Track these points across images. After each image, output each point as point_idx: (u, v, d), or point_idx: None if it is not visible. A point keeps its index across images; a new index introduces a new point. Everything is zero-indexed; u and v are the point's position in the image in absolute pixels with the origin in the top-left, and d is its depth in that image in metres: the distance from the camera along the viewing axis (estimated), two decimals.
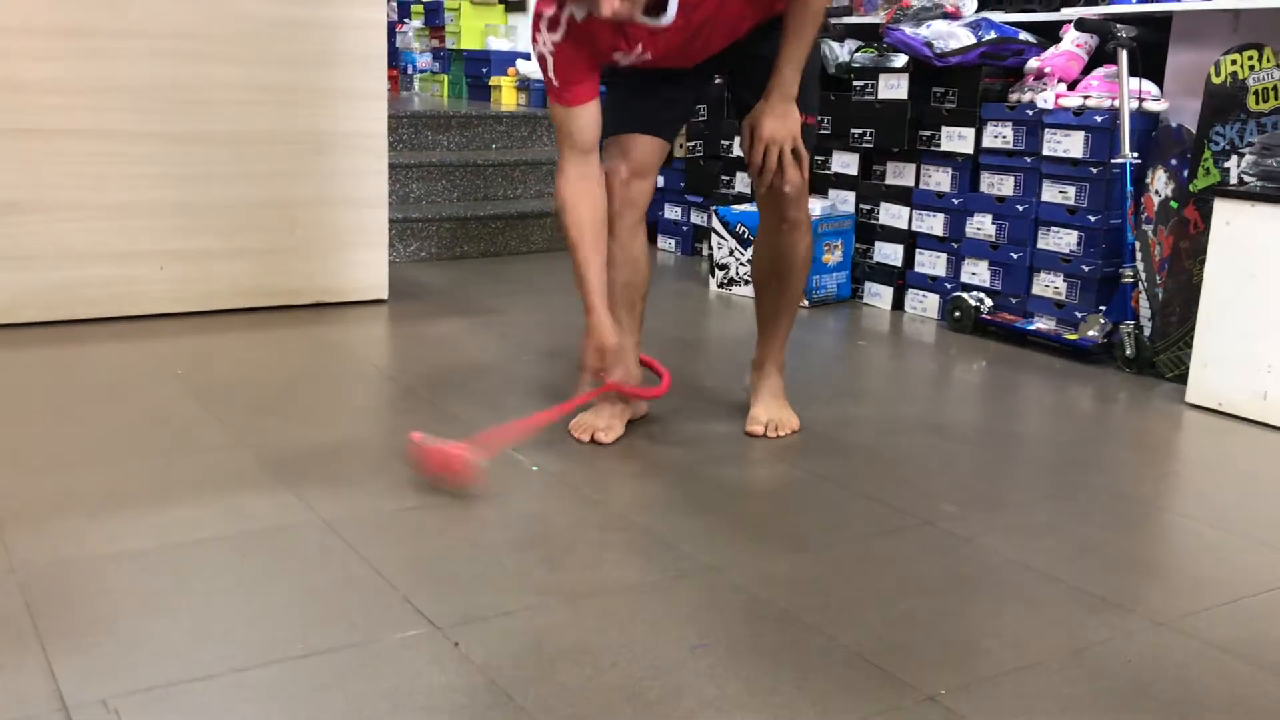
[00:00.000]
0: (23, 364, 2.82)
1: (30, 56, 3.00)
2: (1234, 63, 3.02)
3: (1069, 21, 3.46)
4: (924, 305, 3.78)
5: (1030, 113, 3.44)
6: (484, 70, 6.50)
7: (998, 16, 3.71)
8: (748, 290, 3.97)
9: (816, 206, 3.89)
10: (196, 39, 3.19)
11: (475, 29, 6.80)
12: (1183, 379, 2.91)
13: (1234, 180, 2.99)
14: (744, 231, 3.94)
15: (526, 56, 6.34)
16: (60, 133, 3.07)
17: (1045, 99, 3.41)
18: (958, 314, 3.55)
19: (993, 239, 3.57)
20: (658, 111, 2.36)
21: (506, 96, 6.20)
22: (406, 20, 7.52)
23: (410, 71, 7.42)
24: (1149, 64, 3.30)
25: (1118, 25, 3.18)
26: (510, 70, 6.26)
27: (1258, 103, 3.05)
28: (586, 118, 2.24)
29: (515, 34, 6.82)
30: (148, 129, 3.17)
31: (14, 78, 2.99)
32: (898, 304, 3.87)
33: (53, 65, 3.03)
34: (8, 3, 2.96)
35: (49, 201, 3.09)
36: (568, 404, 2.35)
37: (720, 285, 4.07)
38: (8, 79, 2.99)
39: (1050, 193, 3.42)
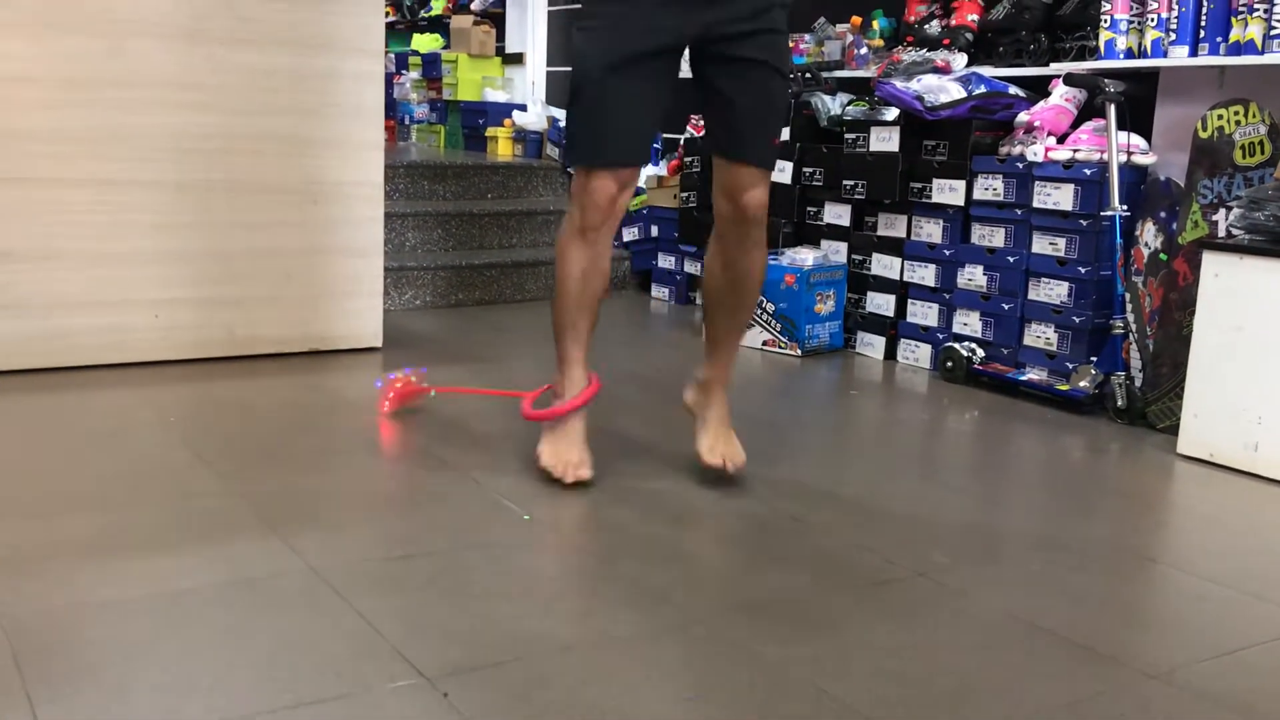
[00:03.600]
0: (16, 411, 2.82)
1: (29, 106, 3.03)
2: (1220, 117, 3.06)
3: (1058, 76, 3.51)
4: (916, 355, 3.79)
5: (1020, 165, 3.48)
6: (480, 121, 6.56)
7: (988, 71, 3.76)
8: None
9: (809, 256, 3.92)
10: (194, 89, 3.22)
11: (472, 81, 6.87)
12: (1174, 430, 2.92)
13: (1222, 233, 3.02)
14: None
15: (523, 108, 6.40)
16: (57, 182, 3.09)
17: (1035, 152, 3.44)
18: (950, 364, 3.56)
19: (984, 290, 3.60)
20: (642, 135, 2.33)
21: (502, 147, 6.25)
22: (404, 72, 7.59)
23: (408, 122, 7.48)
24: (1137, 118, 3.34)
25: (1106, 80, 3.22)
26: (506, 121, 6.31)
27: (1244, 157, 3.09)
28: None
29: (512, 86, 6.89)
30: (144, 178, 3.20)
31: (12, 127, 3.02)
32: (890, 354, 3.88)
33: (51, 115, 3.06)
34: (8, 53, 2.99)
35: (45, 250, 3.10)
36: (528, 403, 2.55)
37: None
38: (8, 128, 3.01)
39: (1041, 244, 3.45)
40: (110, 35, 3.09)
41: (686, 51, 2.33)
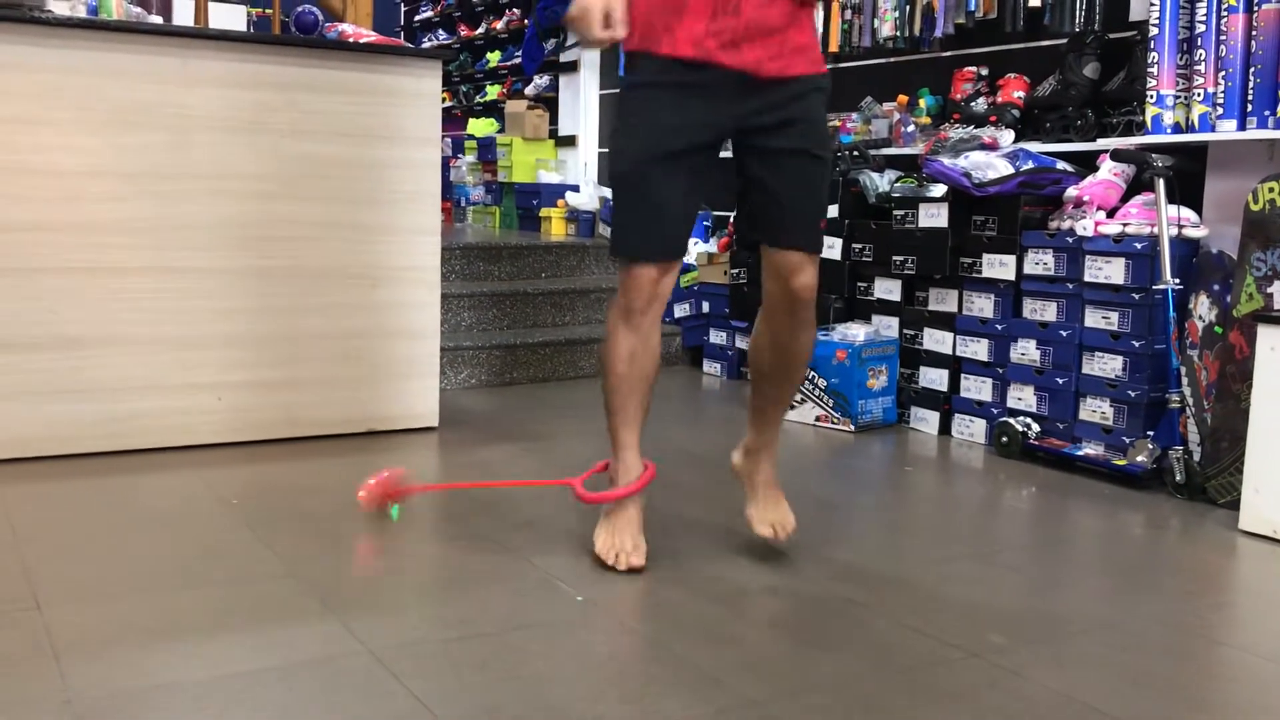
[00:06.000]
0: (83, 493, 2.90)
1: (99, 199, 3.15)
2: (1271, 190, 3.05)
3: (1105, 152, 3.53)
4: (971, 430, 3.77)
5: (1070, 240, 3.48)
6: (534, 202, 6.69)
7: (1035, 147, 3.79)
8: (794, 415, 4.00)
9: (860, 332, 3.94)
10: (256, 180, 3.33)
11: (526, 163, 7.02)
12: (1235, 505, 2.88)
13: (1278, 305, 2.99)
14: None
15: (576, 189, 6.52)
16: (124, 270, 3.20)
17: (1085, 226, 3.45)
18: (1005, 439, 3.54)
19: (1038, 364, 3.58)
20: (683, 229, 2.36)
21: (556, 227, 6.36)
22: (460, 155, 7.77)
23: (464, 204, 7.65)
24: (1186, 191, 3.34)
25: (1153, 155, 3.23)
26: (560, 202, 6.43)
27: None
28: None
29: (565, 168, 7.03)
30: (208, 265, 3.30)
31: (83, 218, 3.14)
32: (944, 429, 3.87)
33: (119, 206, 3.18)
34: (81, 148, 3.12)
35: (112, 335, 3.20)
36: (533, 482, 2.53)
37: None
38: (79, 221, 3.13)
39: (1093, 318, 3.43)
40: (178, 130, 3.22)
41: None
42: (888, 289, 4.08)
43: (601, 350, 2.43)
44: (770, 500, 2.53)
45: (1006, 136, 3.84)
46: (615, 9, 2.21)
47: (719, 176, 2.40)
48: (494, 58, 8.38)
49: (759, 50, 2.24)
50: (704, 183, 2.36)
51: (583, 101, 6.86)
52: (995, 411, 3.69)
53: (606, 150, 6.64)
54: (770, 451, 2.56)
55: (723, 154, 2.40)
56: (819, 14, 4.79)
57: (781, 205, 2.33)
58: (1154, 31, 3.40)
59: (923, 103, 4.38)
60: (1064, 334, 3.51)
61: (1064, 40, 3.88)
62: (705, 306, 5.02)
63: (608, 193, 6.17)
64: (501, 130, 7.58)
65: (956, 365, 3.85)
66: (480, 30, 8.59)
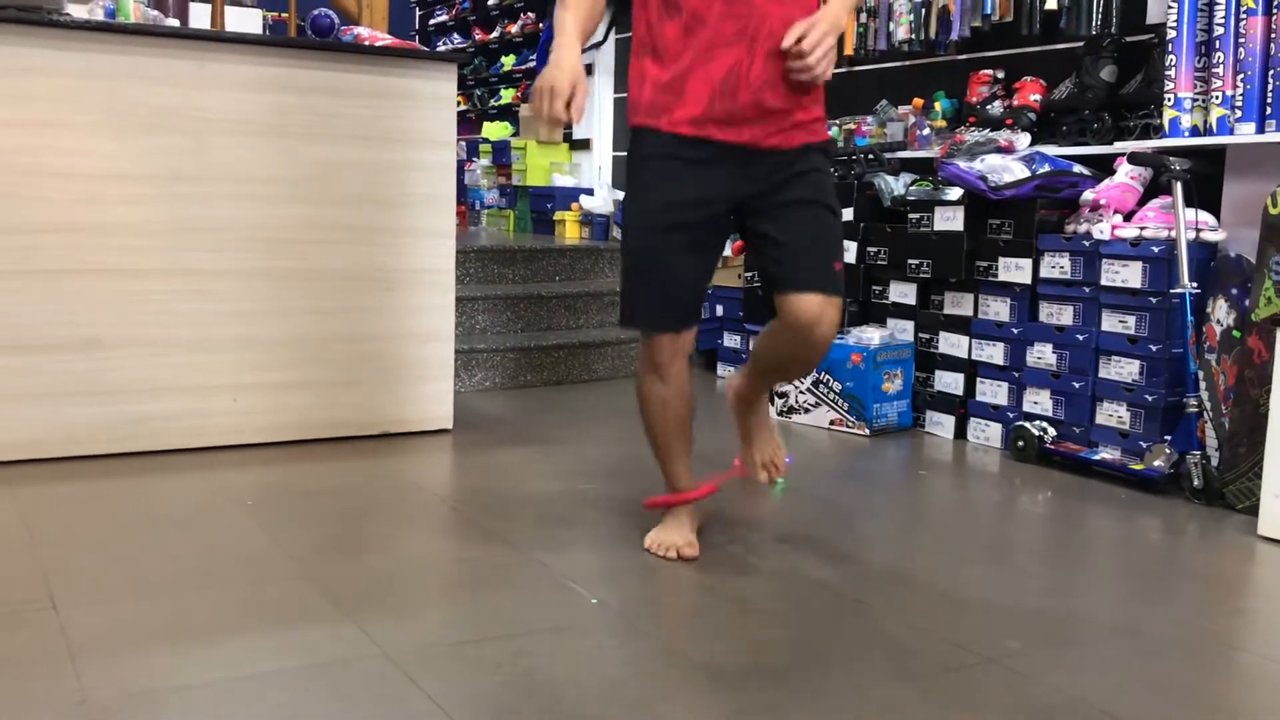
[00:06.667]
0: (99, 494, 2.91)
1: (117, 201, 3.17)
2: None
3: (1122, 155, 3.51)
4: (987, 434, 3.76)
5: (1087, 243, 3.47)
6: (549, 205, 6.69)
7: (1051, 150, 3.77)
8: (809, 419, 3.99)
9: (875, 335, 3.93)
10: (272, 183, 3.34)
11: (540, 166, 7.03)
12: (1253, 510, 2.86)
13: None
14: None
15: (590, 192, 6.53)
16: (142, 272, 3.21)
17: (1101, 230, 3.43)
18: (1021, 444, 3.52)
19: (1054, 368, 3.56)
20: (695, 298, 2.38)
21: (570, 230, 6.37)
22: (475, 159, 7.79)
23: (478, 207, 7.66)
24: (1204, 194, 3.33)
25: (1170, 158, 3.22)
26: (574, 205, 6.44)
27: None
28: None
29: (579, 171, 7.03)
30: (224, 267, 3.31)
31: (101, 221, 3.15)
32: (960, 433, 3.85)
33: (137, 208, 3.19)
34: (100, 151, 3.13)
35: (129, 337, 3.22)
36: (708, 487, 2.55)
37: (780, 414, 4.09)
38: (96, 223, 3.15)
39: (1110, 322, 3.42)
40: (194, 133, 3.23)
41: None
42: (903, 292, 4.07)
43: (637, 396, 2.49)
44: (762, 439, 2.63)
45: (1023, 139, 3.83)
46: (579, 94, 2.18)
47: (724, 243, 2.45)
48: (509, 61, 8.40)
49: (757, 130, 2.26)
50: (713, 254, 2.40)
51: (597, 105, 6.86)
52: (1011, 416, 3.68)
53: (623, 152, 6.67)
54: (763, 398, 2.64)
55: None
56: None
57: (789, 251, 2.30)
58: (1171, 34, 3.38)
59: (938, 106, 4.36)
60: (1080, 338, 3.49)
61: (1080, 43, 3.87)
62: (719, 310, 5.01)
63: (621, 195, 6.17)
64: (516, 134, 7.59)
65: (972, 369, 3.84)
66: (495, 34, 8.61)
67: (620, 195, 6.19)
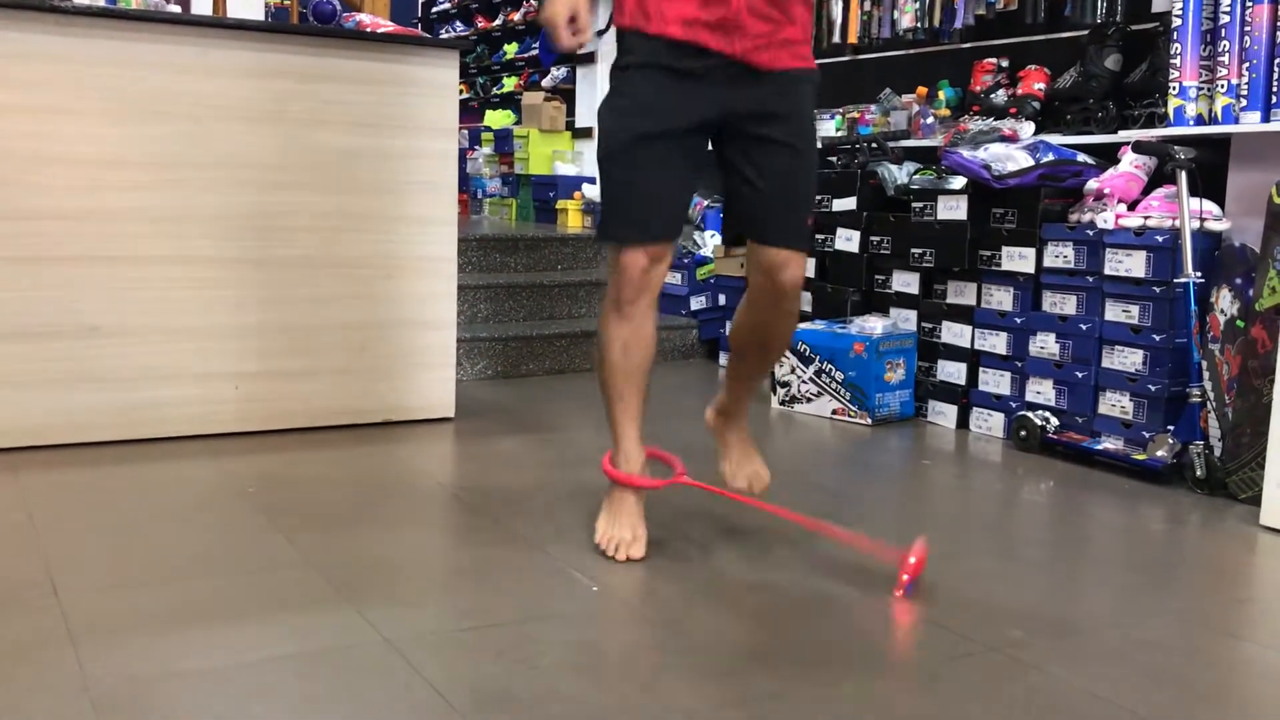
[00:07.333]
0: (100, 481, 2.91)
1: (120, 188, 3.16)
2: None
3: (1126, 144, 3.50)
4: (989, 424, 3.75)
5: (1091, 233, 3.46)
6: (551, 194, 6.68)
7: (1055, 139, 3.76)
8: (811, 408, 3.99)
9: (878, 324, 3.92)
10: (275, 169, 3.34)
11: (543, 155, 7.02)
12: (1256, 501, 2.85)
13: None
14: (805, 349, 3.97)
15: (592, 181, 6.52)
16: (143, 259, 3.21)
17: (1105, 219, 3.42)
18: (1023, 433, 3.52)
19: (1057, 358, 3.56)
20: (672, 211, 2.31)
21: (572, 219, 6.36)
22: (477, 147, 7.77)
23: (480, 196, 7.65)
24: (1209, 184, 3.32)
25: (1175, 148, 3.21)
26: (576, 194, 6.43)
27: None
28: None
29: (581, 160, 7.02)
30: (226, 255, 3.31)
31: (103, 207, 3.15)
32: (962, 423, 3.85)
33: (139, 195, 3.19)
34: (102, 137, 3.13)
35: (130, 325, 3.21)
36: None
37: (782, 403, 4.09)
38: (100, 209, 3.14)
39: (1114, 312, 3.41)
40: (196, 119, 3.23)
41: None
42: (906, 282, 4.06)
43: (596, 341, 2.42)
44: (744, 455, 2.60)
45: (1026, 128, 3.81)
46: (581, 12, 2.20)
47: (708, 166, 2.37)
48: (511, 49, 8.38)
49: (747, 41, 2.23)
50: (695, 167, 2.33)
51: (600, 93, 6.84)
52: (1014, 405, 3.67)
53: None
54: (742, 412, 2.61)
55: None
56: (835, 9, 4.77)
57: (766, 202, 2.30)
58: (1177, 22, 3.37)
59: (942, 94, 4.35)
60: (1084, 327, 3.48)
61: (1085, 31, 3.85)
62: (721, 299, 5.01)
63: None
64: (518, 122, 7.58)
65: (975, 359, 3.83)
66: (497, 22, 8.59)
67: None
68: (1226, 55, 3.26)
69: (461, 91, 7.78)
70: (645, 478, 2.44)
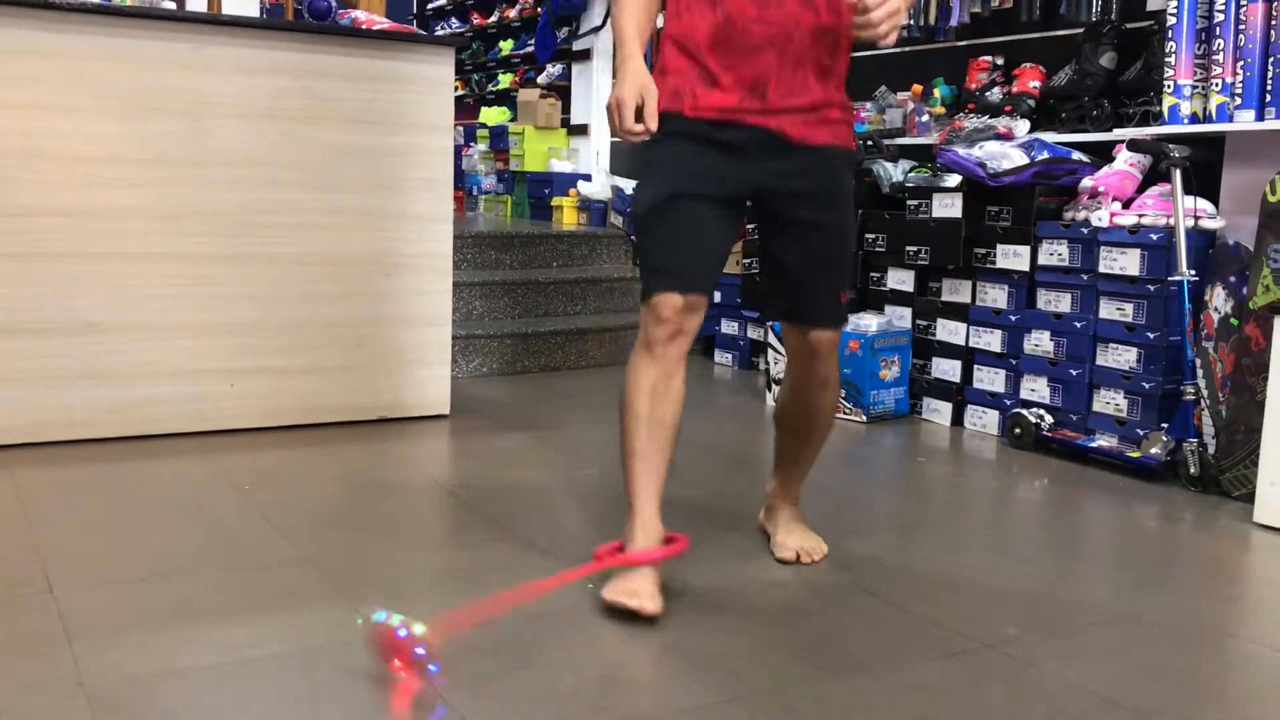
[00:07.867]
0: (97, 478, 2.91)
1: (117, 185, 3.16)
2: None
3: (1121, 142, 3.50)
4: (984, 421, 3.76)
5: (1085, 231, 3.46)
6: (546, 191, 6.68)
7: (1050, 137, 3.76)
8: None
9: (873, 322, 3.92)
10: (270, 167, 3.33)
11: (538, 152, 7.01)
12: (1250, 498, 2.86)
13: None
14: None
15: (587, 178, 6.51)
16: (140, 256, 3.21)
17: (1100, 217, 3.43)
18: (1018, 431, 3.53)
19: (1051, 355, 3.57)
20: (705, 264, 2.22)
21: (568, 216, 6.36)
22: (472, 144, 7.77)
23: (475, 193, 7.64)
24: (1203, 182, 3.32)
25: (1170, 146, 3.21)
26: (571, 191, 6.42)
27: None
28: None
29: (577, 157, 7.02)
30: (222, 252, 3.30)
31: (99, 204, 3.14)
32: (957, 420, 3.86)
33: (136, 192, 3.18)
34: (98, 135, 3.12)
35: (126, 322, 3.21)
36: (554, 579, 2.10)
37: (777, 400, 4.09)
38: (96, 207, 3.14)
39: (1108, 310, 3.42)
40: (192, 116, 3.22)
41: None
42: (901, 279, 4.07)
43: (620, 390, 2.21)
44: (796, 530, 2.48)
45: (1022, 126, 3.82)
46: (649, 100, 2.12)
47: (739, 231, 2.34)
48: (507, 46, 8.37)
49: (784, 119, 2.18)
50: (724, 233, 2.24)
51: (595, 90, 6.84)
52: (1008, 403, 3.68)
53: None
54: (792, 498, 2.51)
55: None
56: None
57: (801, 284, 2.28)
58: (1172, 21, 3.37)
59: (937, 92, 4.36)
60: (1078, 325, 3.49)
61: (1080, 30, 3.86)
62: (717, 296, 5.01)
63: (620, 182, 6.16)
64: (514, 119, 7.57)
65: (969, 356, 3.84)
66: (493, 18, 8.59)
67: (618, 182, 6.18)
68: (1221, 54, 3.27)
69: (457, 88, 7.78)
70: (661, 548, 2.19)
